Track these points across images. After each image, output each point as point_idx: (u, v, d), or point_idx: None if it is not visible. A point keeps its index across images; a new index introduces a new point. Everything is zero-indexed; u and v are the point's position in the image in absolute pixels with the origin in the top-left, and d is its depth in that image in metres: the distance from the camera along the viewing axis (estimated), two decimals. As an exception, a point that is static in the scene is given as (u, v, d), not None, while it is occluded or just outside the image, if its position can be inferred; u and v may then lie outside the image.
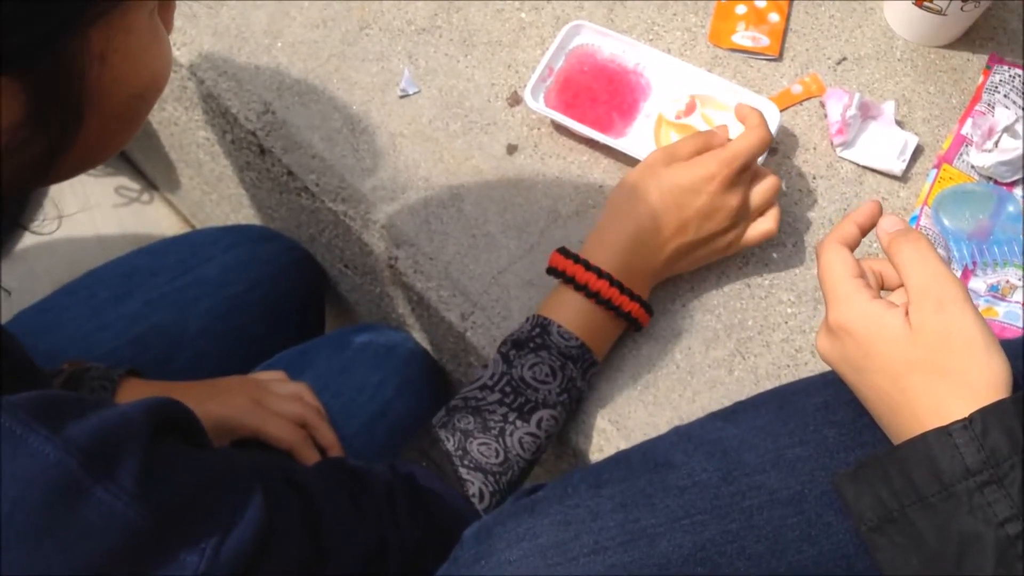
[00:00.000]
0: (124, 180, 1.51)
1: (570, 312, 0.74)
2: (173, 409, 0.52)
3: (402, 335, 0.95)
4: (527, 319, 0.75)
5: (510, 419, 0.71)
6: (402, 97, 0.89)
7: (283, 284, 1.00)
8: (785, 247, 0.84)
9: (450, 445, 0.70)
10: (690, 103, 0.85)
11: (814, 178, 0.86)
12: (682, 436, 0.63)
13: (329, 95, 0.89)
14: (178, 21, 0.92)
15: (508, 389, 0.71)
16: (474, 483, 0.69)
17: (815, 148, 0.88)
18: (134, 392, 0.80)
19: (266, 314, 0.99)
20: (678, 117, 0.85)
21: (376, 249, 0.86)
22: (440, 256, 0.84)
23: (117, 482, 0.45)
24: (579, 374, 0.73)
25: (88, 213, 1.48)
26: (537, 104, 0.84)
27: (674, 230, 0.75)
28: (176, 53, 0.93)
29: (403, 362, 0.93)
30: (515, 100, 0.89)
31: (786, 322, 0.81)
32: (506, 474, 0.71)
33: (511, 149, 0.87)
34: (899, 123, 0.88)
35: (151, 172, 1.47)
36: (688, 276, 0.82)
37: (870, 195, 0.86)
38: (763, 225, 0.79)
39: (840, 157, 0.87)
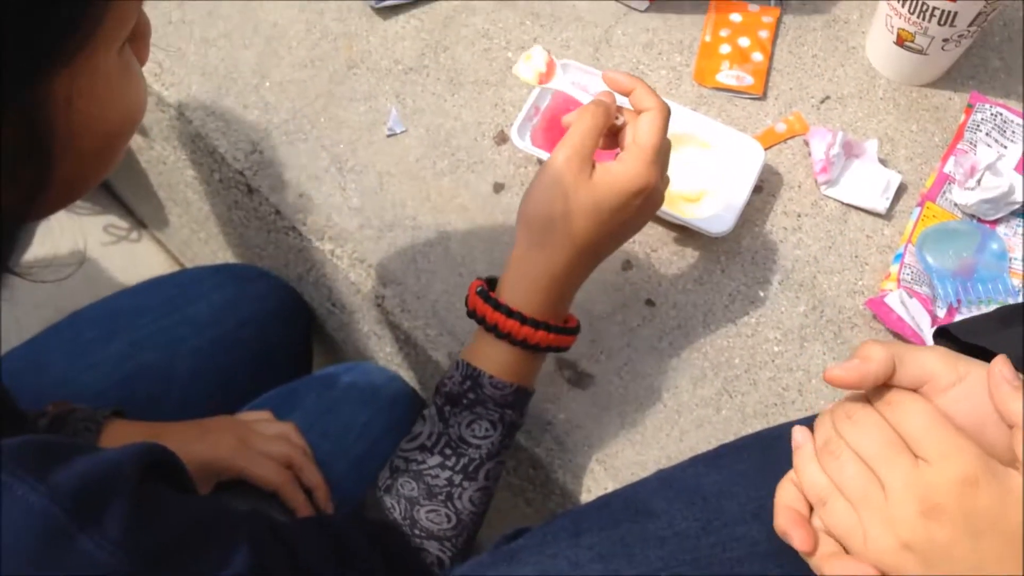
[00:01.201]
0: (113, 218, 1.51)
1: (499, 359, 0.69)
2: (159, 454, 0.52)
3: (389, 374, 0.95)
4: (456, 364, 0.70)
5: (456, 482, 0.68)
6: (389, 136, 0.89)
7: (271, 323, 1.00)
8: (771, 285, 0.84)
9: (397, 515, 0.68)
10: (549, 63, 0.78)
11: (799, 216, 0.87)
12: (664, 482, 0.62)
13: (317, 134, 0.90)
14: (167, 61, 0.93)
15: (448, 451, 0.69)
16: (430, 552, 0.68)
17: (799, 186, 0.88)
18: (119, 433, 0.80)
19: (254, 354, 0.98)
20: (540, 81, 0.78)
21: (363, 288, 0.86)
22: (427, 295, 0.84)
23: (103, 530, 0.45)
24: (517, 414, 0.71)
25: (76, 252, 1.48)
26: (523, 143, 0.85)
27: (593, 251, 0.69)
28: (164, 93, 0.93)
29: (390, 402, 0.92)
30: (502, 139, 0.89)
31: (773, 360, 0.81)
32: (462, 535, 0.69)
33: (498, 188, 0.88)
34: (882, 161, 0.89)
35: (140, 210, 1.47)
36: (674, 314, 0.82)
37: (855, 233, 0.86)
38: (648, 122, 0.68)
39: (824, 195, 0.88)
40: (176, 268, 1.47)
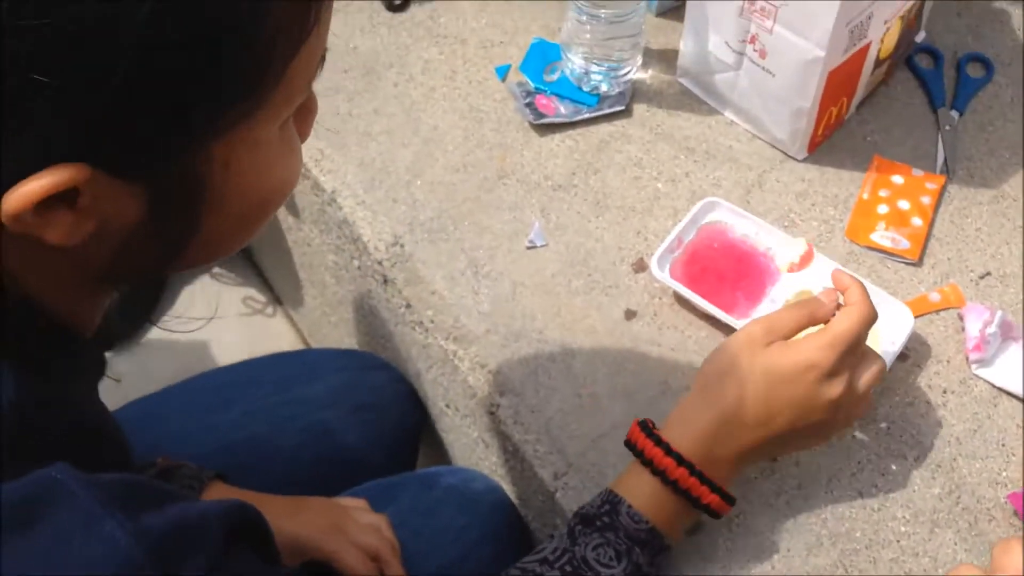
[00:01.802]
0: (253, 291, 1.57)
1: (644, 494, 0.69)
2: (250, 515, 0.51)
3: (492, 483, 0.93)
4: (600, 493, 0.71)
5: None
6: (529, 248, 0.90)
7: (384, 415, 1.00)
8: (906, 460, 0.79)
9: None
10: (807, 252, 0.83)
11: (944, 392, 0.82)
12: None
13: (458, 236, 0.91)
14: (328, 149, 0.97)
15: (569, 569, 0.67)
16: None
17: (948, 361, 0.83)
18: (219, 496, 0.80)
19: (362, 442, 0.98)
20: (791, 270, 0.83)
21: (480, 393, 0.86)
22: (543, 410, 0.82)
23: None
24: (647, 559, 0.69)
25: (214, 319, 1.53)
26: (662, 274, 0.84)
27: (761, 419, 0.69)
28: (321, 179, 0.97)
29: (490, 510, 0.90)
30: (640, 267, 0.88)
31: (898, 541, 0.76)
32: None
33: (629, 315, 0.86)
34: (1042, 348, 0.84)
35: (279, 287, 1.52)
36: (796, 472, 0.78)
37: (1004, 420, 0.81)
38: (861, 405, 0.73)
39: (975, 374, 0.83)
40: (303, 347, 1.50)
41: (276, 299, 1.57)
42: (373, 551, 0.80)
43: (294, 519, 0.79)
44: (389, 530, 0.83)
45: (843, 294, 0.72)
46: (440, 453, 1.10)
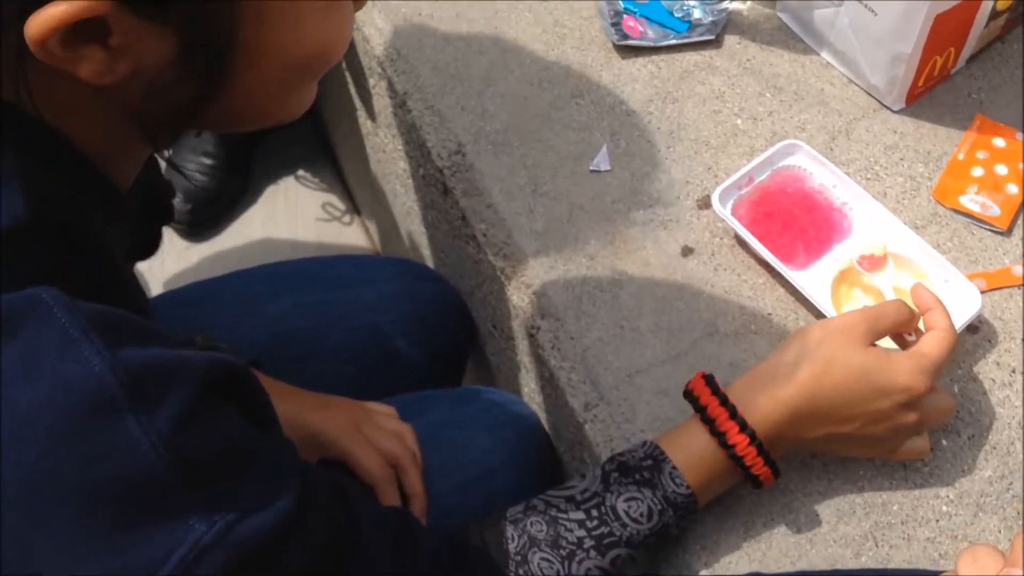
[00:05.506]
0: (333, 199, 1.57)
1: (692, 454, 0.66)
2: (239, 374, 0.49)
3: (528, 410, 0.91)
4: (643, 443, 0.68)
5: (584, 545, 0.64)
6: (592, 171, 0.86)
7: (431, 327, 0.99)
8: (959, 437, 0.74)
9: (512, 546, 0.64)
10: (882, 258, 0.78)
11: (1012, 371, 0.76)
12: None
13: (522, 152, 0.88)
14: (405, 49, 0.95)
15: (595, 513, 0.65)
16: None
17: (1022, 340, 0.77)
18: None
19: (407, 349, 0.97)
20: (861, 262, 0.78)
21: (522, 314, 0.83)
22: (582, 338, 0.79)
23: (152, 419, 0.43)
24: (675, 521, 0.67)
25: (291, 219, 1.55)
26: (724, 210, 0.79)
27: (838, 417, 0.67)
28: (395, 79, 0.95)
29: (520, 436, 0.89)
30: (705, 204, 0.84)
31: (937, 520, 0.71)
32: None
33: (686, 251, 0.82)
34: None
35: (358, 196, 1.52)
36: (837, 435, 0.74)
37: (1075, 408, 0.74)
38: (917, 443, 0.70)
39: (1050, 357, 0.76)
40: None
41: (355, 208, 1.57)
42: (392, 456, 0.80)
43: (315, 413, 0.79)
44: (412, 439, 0.82)
45: (924, 314, 0.70)
46: (487, 377, 1.08)
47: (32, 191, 0.47)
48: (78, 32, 0.44)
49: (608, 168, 0.87)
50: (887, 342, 0.72)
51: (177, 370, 0.45)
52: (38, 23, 0.43)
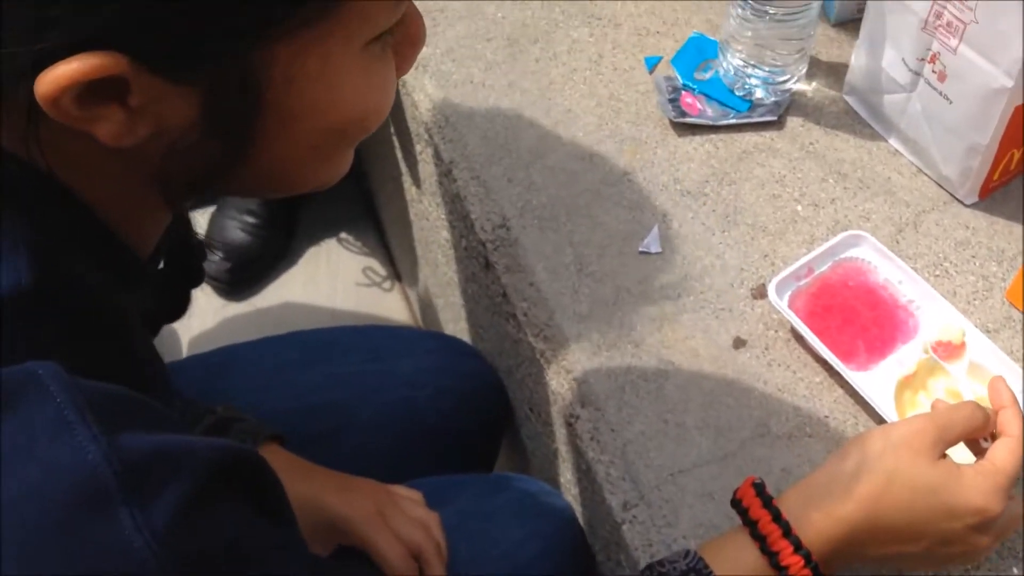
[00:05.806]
0: (374, 263, 1.55)
1: (739, 570, 0.61)
2: (249, 461, 0.45)
3: (563, 502, 0.86)
4: (685, 552, 0.62)
5: None
6: (642, 253, 0.82)
7: (467, 405, 0.94)
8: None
9: None
10: (959, 346, 0.72)
11: (1095, 494, 0.69)
12: None
13: (569, 228, 0.84)
14: (453, 117, 0.92)
15: None
16: None
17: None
18: (269, 458, 0.76)
19: (439, 429, 0.93)
20: (936, 349, 0.72)
21: (561, 400, 0.79)
22: (623, 431, 0.74)
23: (147, 514, 0.39)
24: None
25: (331, 283, 1.52)
26: (780, 302, 0.75)
27: (903, 537, 0.61)
28: (442, 147, 0.92)
29: (554, 530, 0.83)
30: (760, 293, 0.79)
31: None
32: None
33: (738, 343, 0.77)
34: None
35: (399, 261, 1.49)
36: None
37: None
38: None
39: None
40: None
41: (396, 274, 1.54)
42: (416, 547, 0.75)
43: (337, 496, 0.74)
44: (438, 529, 0.77)
45: (997, 412, 0.65)
46: (521, 461, 1.03)
47: (38, 255, 0.44)
48: (94, 91, 0.41)
49: (658, 250, 0.82)
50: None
51: (179, 459, 0.41)
52: (49, 81, 0.40)
